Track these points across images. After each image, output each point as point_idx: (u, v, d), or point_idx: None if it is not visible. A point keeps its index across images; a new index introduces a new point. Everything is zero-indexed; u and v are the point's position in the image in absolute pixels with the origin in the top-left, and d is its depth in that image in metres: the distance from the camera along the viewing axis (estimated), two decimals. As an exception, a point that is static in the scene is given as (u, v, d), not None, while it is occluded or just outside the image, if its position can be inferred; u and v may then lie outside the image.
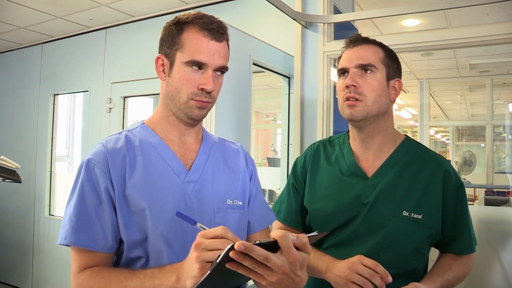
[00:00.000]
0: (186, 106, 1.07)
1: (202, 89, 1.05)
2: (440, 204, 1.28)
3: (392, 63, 1.31)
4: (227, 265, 0.76)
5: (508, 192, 4.98)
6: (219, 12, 3.13)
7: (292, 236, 0.81)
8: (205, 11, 1.12)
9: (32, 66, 4.45)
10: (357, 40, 1.33)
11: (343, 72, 1.31)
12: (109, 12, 3.55)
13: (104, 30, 3.91)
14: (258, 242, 0.77)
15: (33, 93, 4.38)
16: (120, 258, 1.05)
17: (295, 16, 2.19)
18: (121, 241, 1.03)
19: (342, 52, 1.37)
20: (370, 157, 1.34)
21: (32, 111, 4.36)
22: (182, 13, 1.12)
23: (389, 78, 1.30)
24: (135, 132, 1.13)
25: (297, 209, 1.44)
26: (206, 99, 1.07)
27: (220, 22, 1.09)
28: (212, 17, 1.09)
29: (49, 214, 4.11)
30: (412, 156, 1.34)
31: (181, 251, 1.03)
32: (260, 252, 0.75)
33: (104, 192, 1.01)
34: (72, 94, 4.50)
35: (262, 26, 2.87)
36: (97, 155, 1.04)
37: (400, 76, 1.34)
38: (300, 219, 1.44)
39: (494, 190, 5.19)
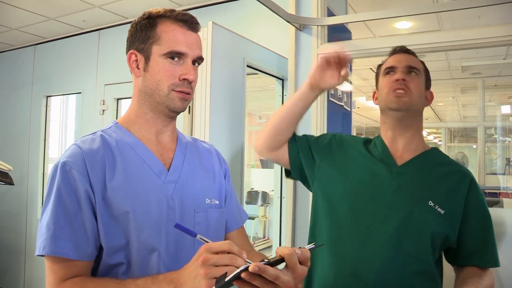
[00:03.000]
0: (168, 98, 1.05)
1: (184, 79, 1.04)
2: (462, 208, 1.32)
3: (427, 76, 1.47)
4: (234, 283, 0.77)
5: (500, 193, 5.02)
6: (212, 14, 3.13)
7: (297, 251, 0.83)
8: (198, 12, 1.12)
9: (24, 67, 4.43)
10: (406, 50, 1.48)
11: (388, 71, 1.44)
12: (102, 14, 3.54)
13: (97, 31, 3.90)
14: (266, 261, 0.78)
15: (25, 95, 4.35)
16: (97, 266, 0.99)
17: (289, 19, 2.19)
18: (100, 248, 0.98)
19: (386, 59, 1.50)
20: (400, 150, 1.42)
21: (25, 113, 4.34)
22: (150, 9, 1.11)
23: (425, 87, 1.45)
24: (110, 132, 1.08)
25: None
26: (187, 90, 1.06)
27: (191, 14, 1.09)
28: (181, 11, 1.09)
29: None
30: (441, 160, 1.43)
31: (167, 254, 1.01)
32: (272, 272, 0.77)
33: (84, 196, 0.96)
34: (65, 96, 4.47)
35: (256, 28, 2.88)
36: (73, 157, 0.98)
37: (430, 89, 1.49)
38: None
39: (486, 191, 5.22)
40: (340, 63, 1.39)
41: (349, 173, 1.43)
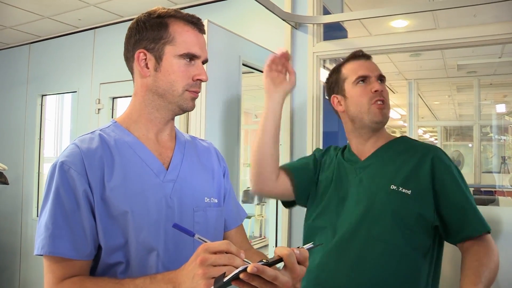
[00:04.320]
0: (181, 98, 1.07)
1: (198, 79, 1.07)
2: (430, 183, 1.34)
3: None
4: (232, 283, 0.77)
5: (495, 191, 5.04)
6: (208, 13, 3.13)
7: (296, 251, 0.83)
8: (195, 11, 1.13)
9: (19, 66, 4.40)
10: (368, 55, 1.52)
11: (362, 80, 1.46)
12: (98, 12, 3.52)
13: (93, 30, 3.88)
14: (265, 261, 0.79)
15: (20, 94, 4.33)
16: (96, 265, 1.00)
17: (284, 17, 2.19)
18: (98, 247, 0.99)
19: (344, 62, 1.54)
20: (366, 151, 1.50)
21: (20, 112, 4.31)
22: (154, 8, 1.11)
23: None
24: (108, 131, 1.08)
25: (307, 171, 1.58)
26: (199, 90, 1.09)
27: (197, 16, 1.11)
28: (187, 13, 1.11)
29: (37, 216, 4.06)
30: (404, 146, 1.47)
31: (165, 254, 1.01)
32: (271, 273, 0.77)
33: (82, 196, 0.96)
34: (60, 94, 4.45)
35: (252, 26, 2.87)
36: (72, 157, 0.98)
37: None
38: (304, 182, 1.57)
39: (482, 189, 5.25)
40: (283, 63, 1.50)
41: (327, 178, 1.53)
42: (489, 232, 1.31)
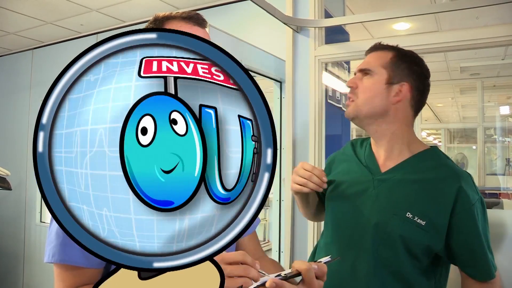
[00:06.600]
0: None
1: None
2: (447, 217, 1.22)
3: (399, 67, 1.32)
4: None
5: (500, 193, 5.01)
6: (209, 17, 3.11)
7: (314, 265, 0.83)
8: (196, 16, 1.11)
9: (22, 72, 4.42)
10: (371, 49, 1.41)
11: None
12: (100, 18, 3.53)
13: (95, 35, 3.89)
14: (283, 275, 0.79)
15: (23, 99, 4.35)
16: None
17: (286, 21, 2.18)
18: None
19: None
20: (382, 157, 1.36)
21: (23, 117, 4.33)
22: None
23: (391, 81, 1.30)
24: None
25: None
26: None
27: (197, 12, 1.09)
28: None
29: (40, 221, 4.07)
30: (432, 163, 1.31)
31: None
32: None
33: None
34: (63, 100, 4.47)
35: (253, 30, 2.87)
36: None
37: (413, 80, 1.32)
38: None
39: (486, 192, 5.22)
40: None
41: (337, 183, 1.42)
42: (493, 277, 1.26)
